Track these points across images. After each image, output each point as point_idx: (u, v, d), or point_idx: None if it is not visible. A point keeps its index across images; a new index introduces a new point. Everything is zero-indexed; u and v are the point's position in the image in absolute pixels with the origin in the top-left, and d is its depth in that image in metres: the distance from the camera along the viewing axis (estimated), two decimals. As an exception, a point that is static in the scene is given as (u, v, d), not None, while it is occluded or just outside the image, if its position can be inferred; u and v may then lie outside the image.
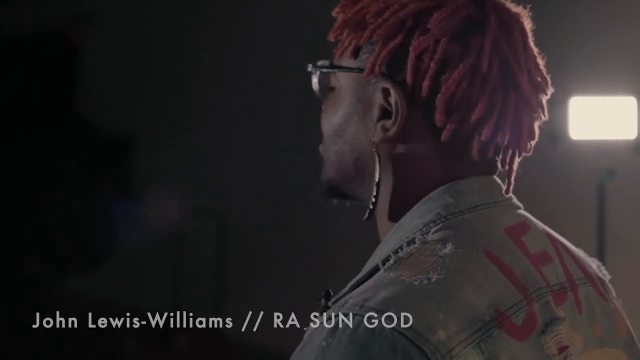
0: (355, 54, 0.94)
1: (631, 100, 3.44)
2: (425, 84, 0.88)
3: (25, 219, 6.52)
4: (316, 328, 0.82)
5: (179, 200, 5.66)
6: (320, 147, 1.01)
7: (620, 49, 3.95)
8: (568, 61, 4.02)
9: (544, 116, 0.95)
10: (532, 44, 0.94)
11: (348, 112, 0.95)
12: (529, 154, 0.96)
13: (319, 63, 0.99)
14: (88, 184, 6.30)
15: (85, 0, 6.54)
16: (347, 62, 0.95)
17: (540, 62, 0.95)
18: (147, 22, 6.12)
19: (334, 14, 0.97)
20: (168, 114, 6.04)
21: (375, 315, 0.78)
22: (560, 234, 1.02)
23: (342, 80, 0.96)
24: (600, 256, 3.51)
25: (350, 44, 0.95)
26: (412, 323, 0.77)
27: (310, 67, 1.00)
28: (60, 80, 6.82)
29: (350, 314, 0.79)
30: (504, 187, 0.95)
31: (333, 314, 0.81)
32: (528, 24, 0.94)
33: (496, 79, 0.89)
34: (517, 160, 0.95)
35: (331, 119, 0.97)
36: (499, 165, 0.95)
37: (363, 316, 0.78)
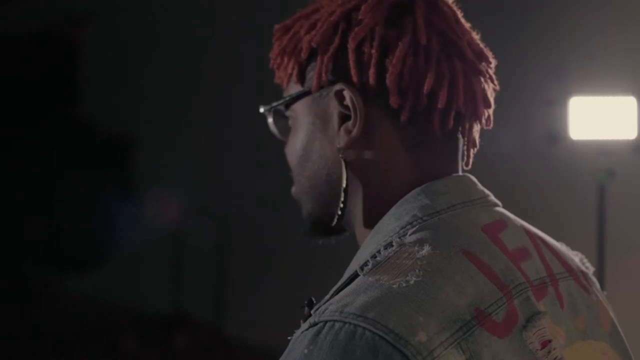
0: (301, 77, 0.96)
1: (631, 100, 3.44)
2: (372, 71, 0.89)
3: (25, 218, 6.52)
4: (298, 336, 0.82)
5: (179, 200, 5.66)
6: (293, 189, 1.00)
7: (620, 49, 3.95)
8: (568, 61, 4.02)
9: (496, 85, 0.96)
10: (462, 19, 0.96)
11: (308, 131, 0.95)
12: (489, 127, 0.97)
13: (272, 103, 1.00)
14: (88, 184, 6.31)
15: (86, 0, 6.54)
16: (295, 88, 0.97)
17: (475, 36, 0.96)
18: (147, 22, 6.13)
19: (271, 55, 0.99)
20: (168, 114, 6.04)
21: (355, 320, 0.78)
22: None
23: (297, 108, 0.97)
24: (600, 256, 3.51)
25: (293, 68, 0.96)
26: (392, 326, 0.77)
27: (262, 109, 1.01)
28: (60, 80, 6.82)
29: (331, 321, 0.79)
30: (481, 187, 0.95)
31: (314, 321, 0.81)
32: (454, 6, 0.96)
33: (438, 50, 0.91)
34: (476, 130, 0.96)
35: (295, 147, 0.97)
36: (460, 137, 0.95)
37: (343, 322, 0.78)
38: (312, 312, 0.87)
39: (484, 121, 0.96)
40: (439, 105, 0.90)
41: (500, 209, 0.96)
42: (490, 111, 0.96)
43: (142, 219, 5.88)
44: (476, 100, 0.93)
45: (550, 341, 0.85)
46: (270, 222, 5.43)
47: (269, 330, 5.38)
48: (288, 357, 0.82)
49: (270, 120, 1.00)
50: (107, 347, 5.43)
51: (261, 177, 5.39)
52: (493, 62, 0.96)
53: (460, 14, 0.96)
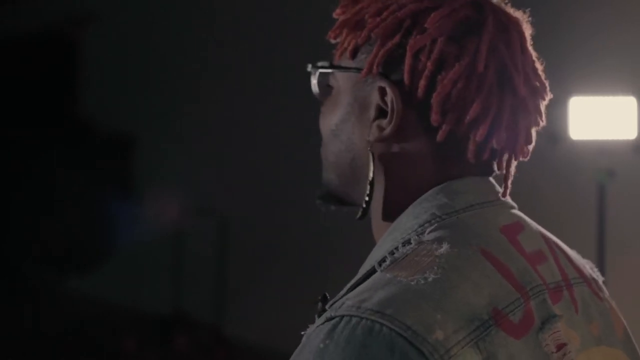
0: (354, 54, 0.94)
1: (631, 100, 3.44)
2: (422, 83, 0.88)
3: (25, 218, 6.52)
4: (314, 330, 0.82)
5: (179, 200, 5.66)
6: (321, 149, 1.01)
7: (620, 49, 3.95)
8: (568, 61, 4.02)
9: (542, 121, 0.95)
10: (530, 48, 0.94)
11: (345, 112, 0.95)
12: (526, 159, 0.96)
13: (319, 64, 0.99)
14: (88, 184, 6.30)
15: (85, 0, 6.54)
16: (346, 62, 0.96)
17: (539, 67, 0.95)
18: (147, 21, 6.12)
19: (334, 15, 0.97)
20: (168, 114, 6.04)
21: (373, 316, 0.77)
22: (560, 234, 1.02)
23: (341, 81, 0.96)
24: (600, 256, 3.51)
25: (349, 44, 0.95)
26: (410, 323, 0.77)
27: (309, 68, 1.00)
28: (60, 80, 6.82)
29: (348, 315, 0.79)
30: (499, 189, 0.95)
31: (330, 316, 0.80)
32: (527, 29, 0.95)
33: (492, 80, 0.89)
34: (513, 164, 0.95)
35: (329, 120, 0.97)
36: (496, 169, 0.95)
37: (360, 317, 0.78)
38: (326, 307, 0.87)
39: (521, 156, 0.95)
40: (477, 139, 0.89)
41: (517, 212, 0.95)
42: (531, 147, 0.95)
43: (142, 219, 5.88)
44: (517, 137, 0.92)
45: (565, 344, 0.85)
46: (270, 222, 5.43)
47: (269, 330, 5.38)
48: (303, 351, 0.81)
49: (314, 81, 0.99)
50: (107, 347, 5.42)
51: (261, 178, 5.39)
52: (548, 97, 0.95)
53: (530, 40, 0.94)
